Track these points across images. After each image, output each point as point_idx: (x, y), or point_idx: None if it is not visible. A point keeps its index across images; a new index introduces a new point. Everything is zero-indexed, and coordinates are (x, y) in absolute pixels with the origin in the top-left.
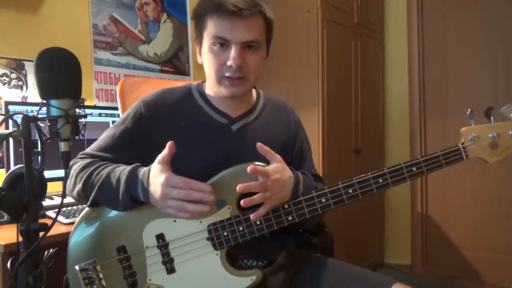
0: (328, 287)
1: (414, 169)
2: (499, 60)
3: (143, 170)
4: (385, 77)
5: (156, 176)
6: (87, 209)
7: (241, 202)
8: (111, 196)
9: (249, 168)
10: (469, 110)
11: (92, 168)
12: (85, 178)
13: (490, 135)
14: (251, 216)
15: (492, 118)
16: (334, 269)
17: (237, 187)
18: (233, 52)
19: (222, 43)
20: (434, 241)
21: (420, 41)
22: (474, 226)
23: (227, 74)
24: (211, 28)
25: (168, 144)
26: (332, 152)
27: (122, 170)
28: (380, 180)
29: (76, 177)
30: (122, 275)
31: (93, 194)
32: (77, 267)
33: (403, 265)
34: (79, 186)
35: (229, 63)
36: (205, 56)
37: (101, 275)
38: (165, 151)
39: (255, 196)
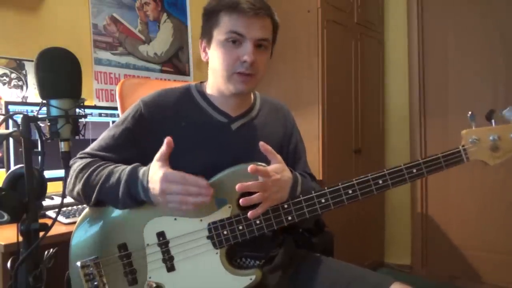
0: (327, 287)
1: (414, 170)
2: (499, 60)
3: (143, 170)
4: (385, 77)
5: (155, 173)
6: (88, 207)
7: (240, 200)
8: (111, 196)
9: (250, 167)
10: (470, 112)
11: (92, 168)
12: (85, 178)
13: (490, 138)
14: (249, 213)
15: (493, 121)
16: (334, 268)
17: (237, 186)
18: (249, 48)
19: (235, 40)
20: (434, 241)
21: (420, 41)
22: (474, 226)
23: (238, 70)
24: (226, 23)
25: (166, 140)
26: (332, 152)
27: (122, 171)
28: (380, 182)
29: (76, 177)
30: (122, 272)
31: (94, 194)
32: (78, 264)
33: (403, 265)
34: (79, 186)
35: (244, 57)
36: (214, 53)
37: (102, 272)
38: (163, 148)
39: (254, 196)
